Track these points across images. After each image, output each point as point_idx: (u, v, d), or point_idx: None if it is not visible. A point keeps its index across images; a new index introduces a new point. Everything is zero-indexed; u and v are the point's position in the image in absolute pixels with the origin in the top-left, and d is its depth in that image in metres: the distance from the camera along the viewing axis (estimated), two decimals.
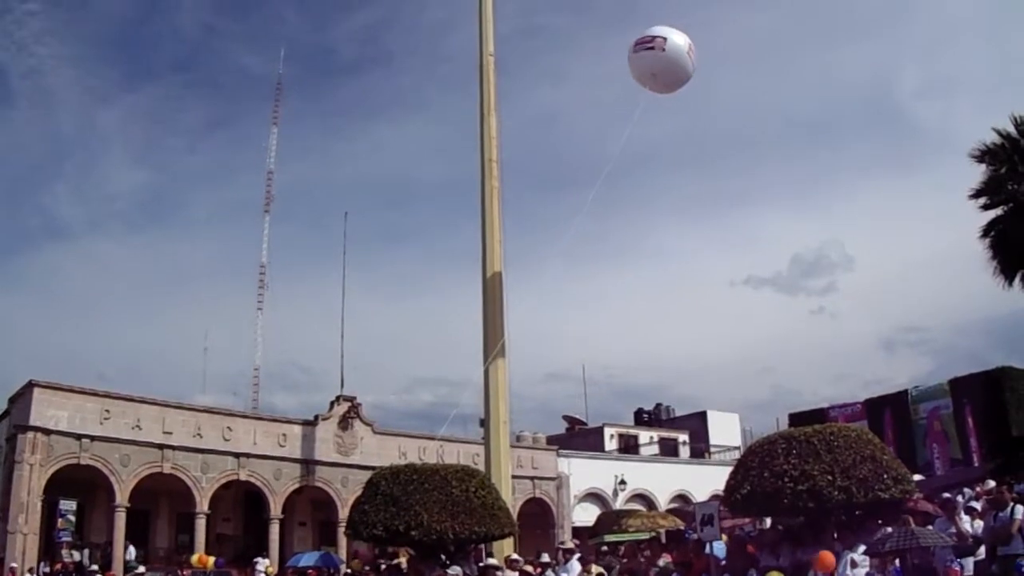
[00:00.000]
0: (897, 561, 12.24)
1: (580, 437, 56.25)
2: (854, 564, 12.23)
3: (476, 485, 20.61)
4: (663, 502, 47.71)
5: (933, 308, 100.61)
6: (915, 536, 12.28)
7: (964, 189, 23.58)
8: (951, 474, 19.72)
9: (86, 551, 33.06)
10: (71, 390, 32.66)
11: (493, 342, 27.42)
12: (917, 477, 16.65)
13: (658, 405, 66.18)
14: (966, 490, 17.23)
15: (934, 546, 12.04)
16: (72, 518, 32.36)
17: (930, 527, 13.37)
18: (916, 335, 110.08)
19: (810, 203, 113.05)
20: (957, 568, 10.18)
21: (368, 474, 22.69)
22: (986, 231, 23.04)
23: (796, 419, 22.27)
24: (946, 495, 15.00)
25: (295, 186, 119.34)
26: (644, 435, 59.04)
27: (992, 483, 16.90)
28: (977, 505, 14.71)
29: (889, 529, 13.13)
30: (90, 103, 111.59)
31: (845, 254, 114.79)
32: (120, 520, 32.55)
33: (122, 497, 32.61)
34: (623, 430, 59.11)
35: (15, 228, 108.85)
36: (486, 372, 27.53)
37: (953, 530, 13.33)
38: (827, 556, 11.58)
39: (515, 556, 20.79)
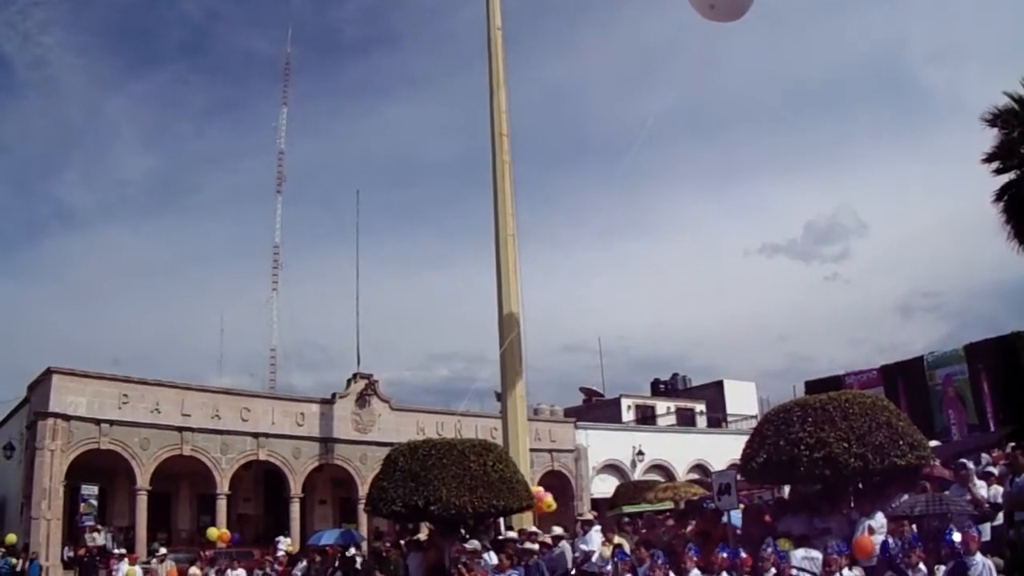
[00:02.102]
0: (914, 527, 12.26)
1: (597, 409, 56.39)
2: (871, 531, 12.23)
3: (494, 459, 20.68)
4: (681, 472, 47.77)
5: (948, 273, 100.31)
6: (943, 502, 12.33)
7: (976, 153, 23.46)
8: (968, 439, 19.69)
9: (109, 535, 33.39)
10: (89, 376, 32.89)
11: (508, 316, 27.47)
12: (933, 443, 16.65)
13: (675, 375, 66.28)
14: (983, 455, 17.20)
15: (955, 512, 12.07)
16: (94, 502, 32.67)
17: (946, 492, 13.40)
18: (931, 300, 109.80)
19: (822, 170, 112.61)
20: (975, 534, 10.18)
21: (386, 451, 22.80)
22: (999, 195, 22.91)
23: (812, 387, 22.30)
24: (961, 461, 14.99)
25: (306, 166, 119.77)
26: (661, 405, 59.15)
27: (1009, 448, 16.91)
28: (994, 470, 14.70)
29: (907, 496, 13.15)
30: (97, 90, 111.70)
31: (858, 220, 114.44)
32: (142, 503, 32.88)
33: (143, 480, 32.93)
34: (640, 401, 59.24)
35: (27, 217, 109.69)
36: (501, 345, 27.58)
37: (968, 496, 13.35)
38: (865, 541, 11.62)
39: (533, 529, 20.92)
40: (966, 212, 73.44)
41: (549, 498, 26.65)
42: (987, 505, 13.23)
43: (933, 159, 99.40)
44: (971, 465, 14.26)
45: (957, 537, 9.79)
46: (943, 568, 9.65)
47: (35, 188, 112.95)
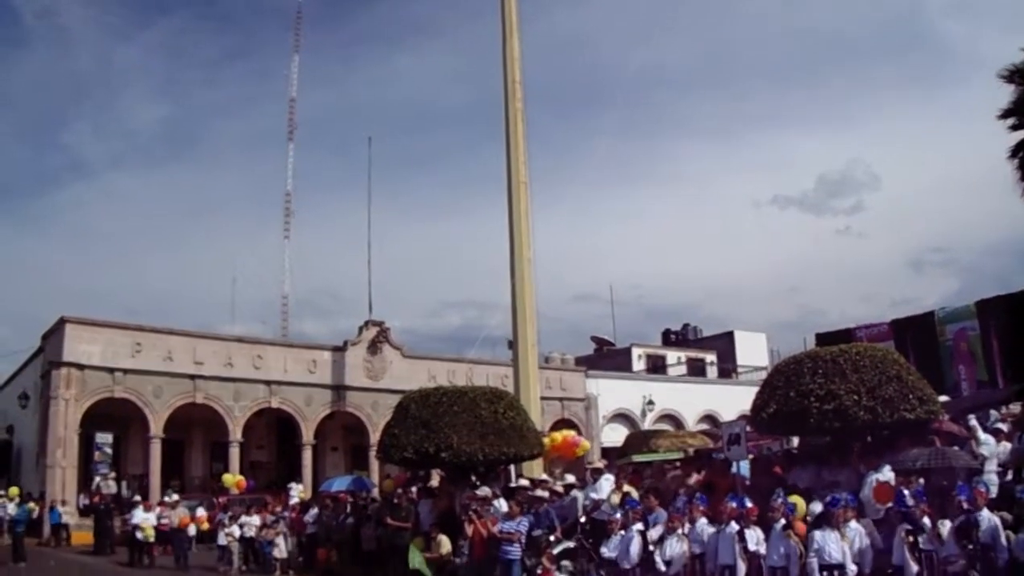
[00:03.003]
0: (921, 480, 12.32)
1: (608, 358, 56.49)
2: (885, 484, 12.30)
3: (505, 407, 20.71)
4: (691, 422, 47.94)
5: (960, 229, 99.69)
6: (945, 456, 12.36)
7: (992, 109, 23.14)
8: (977, 395, 19.67)
9: (123, 482, 33.79)
10: (102, 325, 33.14)
11: (520, 263, 27.48)
12: (943, 398, 16.63)
13: (685, 325, 66.30)
14: (992, 412, 17.21)
15: (958, 467, 12.12)
16: (108, 450, 33.09)
17: (955, 448, 13.45)
18: (943, 255, 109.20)
19: (836, 123, 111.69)
20: (982, 489, 10.23)
21: (398, 398, 22.86)
22: (1014, 152, 22.63)
23: (823, 339, 22.27)
24: (970, 416, 15.02)
25: (318, 114, 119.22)
26: (672, 355, 59.26)
27: (1017, 406, 16.91)
28: (1003, 427, 14.72)
29: (915, 450, 13.20)
30: (107, 40, 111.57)
31: (871, 174, 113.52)
32: (155, 451, 33.28)
33: (156, 428, 33.27)
34: (651, 351, 59.34)
35: (39, 168, 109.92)
36: (513, 293, 27.61)
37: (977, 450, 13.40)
38: (886, 487, 11.69)
39: (544, 476, 21.07)
40: (980, 168, 72.74)
41: (585, 442, 26.88)
42: (979, 461, 13.27)
43: (948, 114, 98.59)
44: (973, 420, 14.27)
45: (964, 493, 9.84)
46: (947, 523, 9.70)
47: (46, 139, 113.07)
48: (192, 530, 26.42)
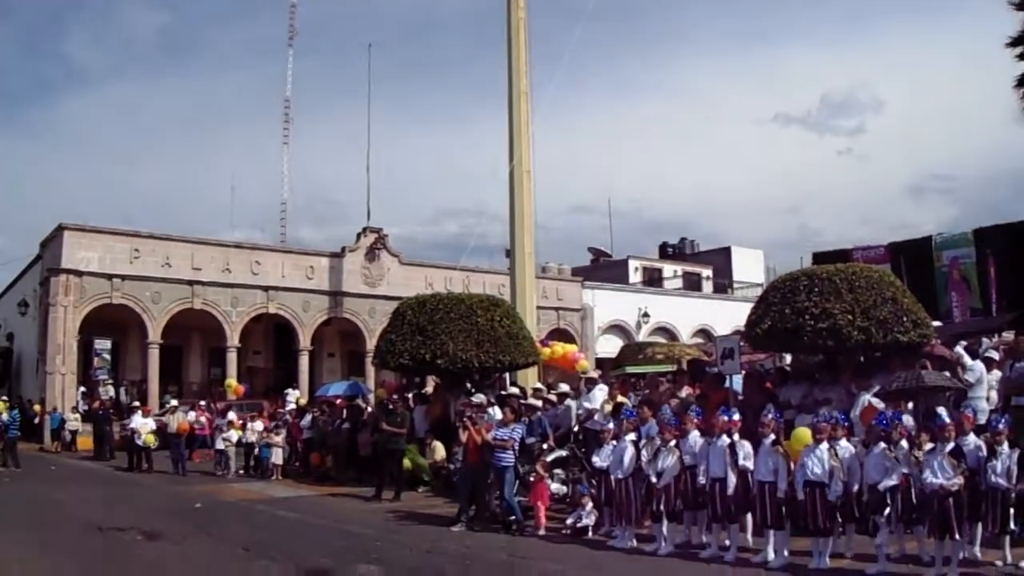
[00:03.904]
0: (910, 404, 12.46)
1: (605, 269, 56.61)
2: (872, 406, 12.44)
3: (501, 315, 20.89)
4: (685, 336, 48.26)
5: (962, 157, 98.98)
6: (920, 378, 12.45)
7: (1001, 36, 22.84)
8: (970, 323, 19.73)
9: (122, 388, 34.10)
10: (100, 231, 33.24)
11: (518, 173, 27.35)
12: (936, 324, 16.72)
13: (683, 239, 66.33)
14: (984, 339, 17.28)
15: (932, 387, 12.22)
16: (107, 356, 33.49)
17: (946, 372, 13.56)
18: (944, 183, 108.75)
19: (841, 42, 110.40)
20: (970, 414, 10.34)
21: (395, 304, 22.99)
22: (1020, 81, 22.39)
23: (820, 259, 22.26)
24: (962, 342, 15.11)
25: (318, 20, 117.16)
26: (668, 268, 59.39)
27: (1010, 334, 17.00)
28: (995, 355, 14.82)
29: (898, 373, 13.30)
30: None
31: (875, 96, 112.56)
32: (154, 357, 33.62)
33: (155, 334, 33.54)
34: (647, 263, 59.46)
35: (36, 77, 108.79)
36: (512, 202, 27.49)
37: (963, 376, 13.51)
38: (871, 410, 11.82)
39: (539, 385, 21.27)
40: (986, 97, 72.06)
41: (584, 360, 27.06)
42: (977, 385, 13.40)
43: (955, 39, 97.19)
44: (959, 348, 14.36)
45: (946, 418, 9.96)
46: (935, 445, 9.80)
47: (44, 48, 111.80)
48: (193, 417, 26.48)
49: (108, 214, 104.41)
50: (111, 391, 32.09)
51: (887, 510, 9.81)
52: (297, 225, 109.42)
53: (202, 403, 28.13)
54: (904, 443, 9.98)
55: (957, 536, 9.32)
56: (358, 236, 39.72)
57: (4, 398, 27.30)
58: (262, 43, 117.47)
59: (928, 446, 9.76)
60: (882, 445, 9.96)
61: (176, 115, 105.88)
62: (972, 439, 9.73)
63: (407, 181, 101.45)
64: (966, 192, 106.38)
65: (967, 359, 13.76)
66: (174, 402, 26.78)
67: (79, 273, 32.12)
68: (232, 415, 24.67)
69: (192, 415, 25.70)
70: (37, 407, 32.35)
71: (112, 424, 28.32)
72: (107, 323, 33.66)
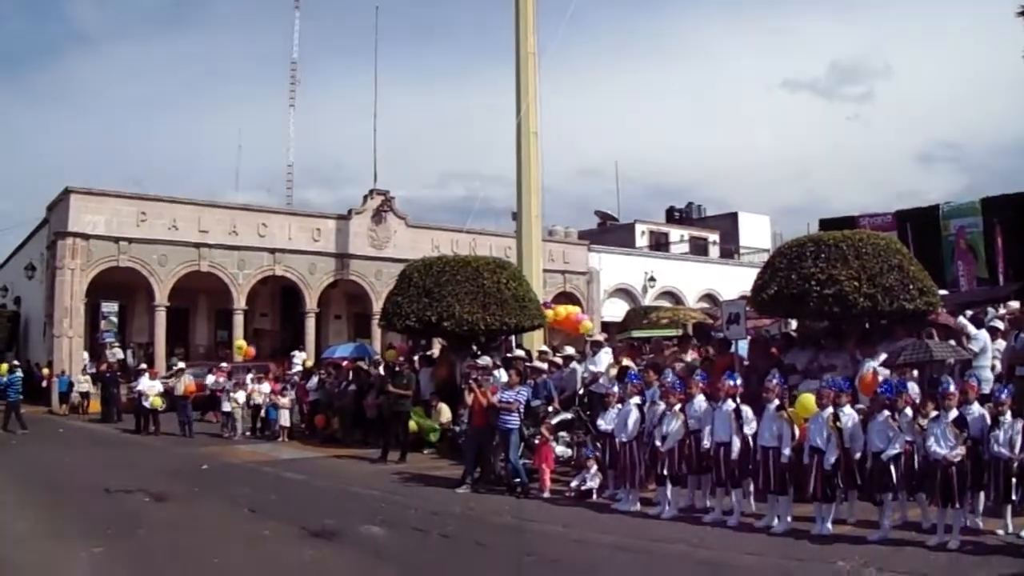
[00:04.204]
0: (915, 372, 12.44)
1: (611, 233, 56.53)
2: (875, 373, 12.43)
3: (507, 277, 20.87)
4: (691, 300, 48.30)
5: (971, 126, 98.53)
6: (928, 349, 12.44)
7: (1012, 5, 22.62)
8: (976, 292, 19.67)
9: (129, 350, 34.24)
10: (107, 194, 33.37)
11: (526, 135, 27.25)
12: (942, 292, 16.69)
13: (690, 204, 66.20)
14: (989, 309, 17.24)
15: (939, 359, 12.20)
16: (114, 319, 33.66)
17: (951, 341, 13.55)
18: (952, 151, 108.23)
19: (852, 8, 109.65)
20: (973, 382, 10.31)
21: (401, 267, 23.01)
22: None
23: (826, 225, 22.21)
24: (967, 312, 15.09)
25: None
26: (675, 233, 59.26)
27: (1016, 304, 16.96)
28: (1000, 324, 14.80)
29: (900, 343, 13.29)
30: None
31: (885, 63, 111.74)
32: (160, 319, 33.89)
33: (161, 297, 33.76)
34: (654, 227, 59.36)
35: (40, 39, 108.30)
36: (518, 165, 27.42)
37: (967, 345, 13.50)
38: (869, 378, 11.80)
39: (544, 348, 21.31)
40: (996, 67, 71.61)
41: (587, 321, 27.09)
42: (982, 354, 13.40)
43: (967, 8, 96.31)
44: (963, 318, 14.34)
45: (951, 387, 9.93)
46: (938, 413, 9.79)
47: (48, 10, 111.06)
48: (212, 380, 26.36)
49: (114, 176, 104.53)
50: (119, 354, 32.20)
51: (894, 480, 9.80)
52: (304, 187, 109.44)
53: (223, 364, 28.14)
54: (908, 411, 9.98)
55: (959, 505, 9.34)
56: (365, 198, 39.70)
57: (15, 362, 27.40)
58: (268, 4, 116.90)
59: (933, 414, 9.75)
60: (886, 413, 9.96)
61: (182, 77, 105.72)
62: (976, 408, 9.71)
63: (414, 143, 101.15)
64: (974, 161, 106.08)
65: (971, 328, 13.75)
66: (181, 364, 26.76)
67: (86, 236, 32.25)
68: (249, 377, 24.80)
69: (211, 378, 25.66)
70: (45, 370, 32.55)
71: (119, 387, 28.47)
72: (114, 286, 33.75)
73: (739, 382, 11.53)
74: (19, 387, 25.14)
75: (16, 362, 27.35)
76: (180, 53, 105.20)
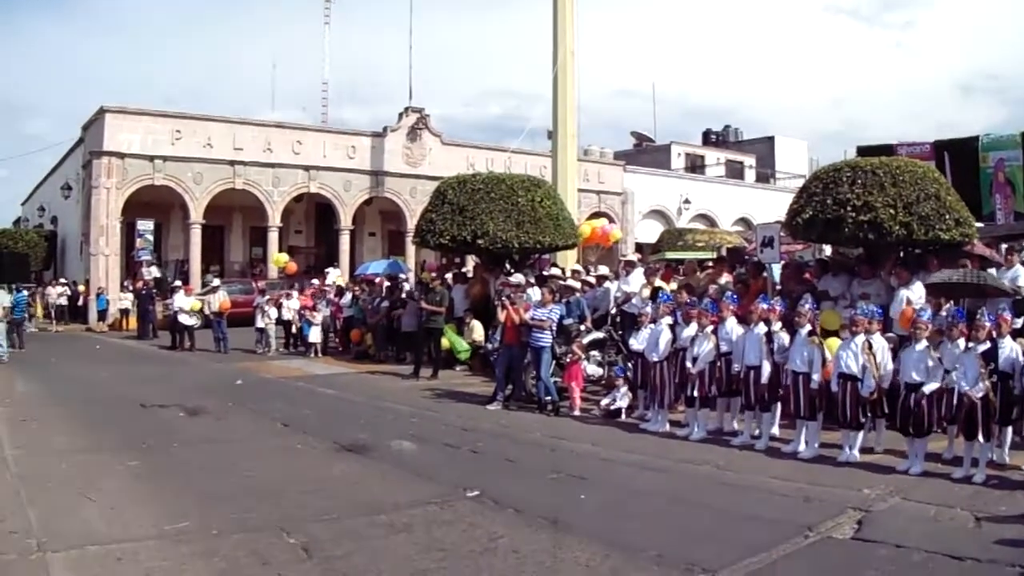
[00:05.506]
0: (951, 303, 12.27)
1: (647, 154, 56.17)
2: (909, 303, 12.33)
3: (542, 195, 20.83)
4: (726, 224, 48.09)
5: (1015, 58, 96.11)
6: (981, 276, 12.27)
7: None
8: (1013, 226, 19.33)
9: (166, 268, 34.63)
10: (142, 113, 33.49)
11: (562, 54, 27.03)
12: (978, 225, 16.45)
13: (727, 127, 65.50)
14: None
15: (990, 287, 12.01)
16: (150, 237, 34.01)
17: (991, 270, 13.38)
18: (994, 83, 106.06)
19: None
20: (1008, 316, 10.10)
21: (436, 184, 22.99)
22: None
23: (864, 152, 21.83)
24: (1010, 245, 14.85)
25: None
26: (711, 156, 58.78)
27: None
28: None
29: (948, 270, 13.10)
30: None
31: None
32: (195, 237, 34.32)
33: (196, 214, 34.13)
34: (690, 150, 58.88)
35: None
36: (555, 84, 27.26)
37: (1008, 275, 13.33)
38: (908, 311, 11.70)
39: (577, 267, 21.33)
40: None
41: (616, 231, 27.05)
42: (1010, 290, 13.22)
43: None
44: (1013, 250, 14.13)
45: (987, 320, 9.75)
46: (961, 344, 9.65)
47: None
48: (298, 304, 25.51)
49: (149, 95, 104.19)
50: (155, 271, 32.57)
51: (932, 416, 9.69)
52: (339, 105, 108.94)
53: (314, 281, 27.68)
54: (961, 342, 9.78)
55: (982, 439, 9.29)
56: (400, 116, 39.61)
57: (62, 280, 27.75)
58: None
59: (961, 343, 9.66)
60: (925, 343, 9.83)
61: None
62: (1008, 342, 9.55)
63: (450, 61, 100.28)
64: (1017, 94, 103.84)
65: (1019, 265, 13.55)
66: (216, 281, 27.06)
67: (121, 155, 32.52)
68: (295, 293, 25.05)
69: (296, 302, 25.14)
70: (82, 288, 33.00)
71: (155, 304, 28.87)
72: (149, 204, 34.10)
73: (780, 305, 11.51)
74: (23, 307, 25.51)
75: (63, 280, 27.67)
76: None
